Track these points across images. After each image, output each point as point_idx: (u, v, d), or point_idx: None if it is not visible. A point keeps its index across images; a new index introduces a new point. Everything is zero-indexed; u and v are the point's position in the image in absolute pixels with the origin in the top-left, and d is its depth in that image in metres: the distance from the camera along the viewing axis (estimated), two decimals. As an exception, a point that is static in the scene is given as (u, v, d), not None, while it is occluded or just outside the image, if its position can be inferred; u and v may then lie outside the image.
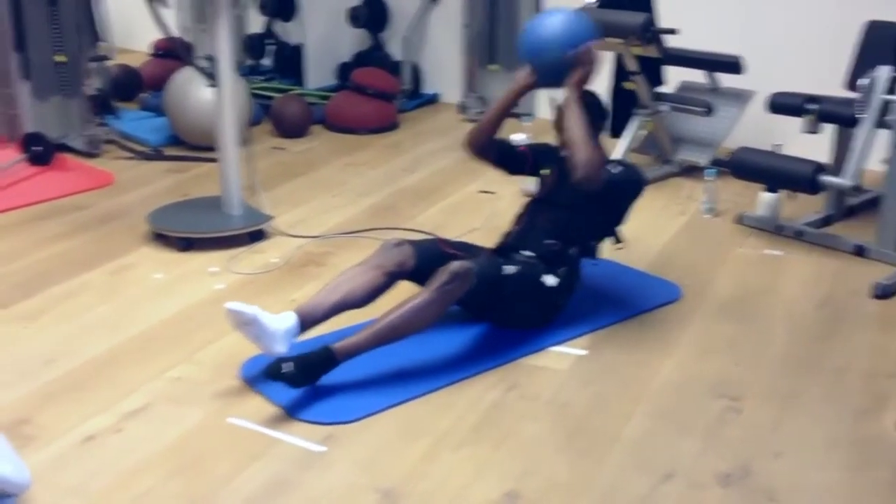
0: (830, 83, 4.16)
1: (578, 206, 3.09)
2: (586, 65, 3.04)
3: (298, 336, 2.82)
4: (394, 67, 6.24)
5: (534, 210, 3.24)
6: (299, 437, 2.50)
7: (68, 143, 5.03)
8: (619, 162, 3.28)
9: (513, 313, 3.07)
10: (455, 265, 2.81)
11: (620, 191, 3.15)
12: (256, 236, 3.89)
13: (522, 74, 3.19)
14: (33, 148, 4.75)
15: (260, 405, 2.66)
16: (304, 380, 2.64)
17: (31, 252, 3.76)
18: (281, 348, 2.75)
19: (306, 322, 2.85)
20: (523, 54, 3.15)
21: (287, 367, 2.59)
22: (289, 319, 2.81)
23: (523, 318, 3.09)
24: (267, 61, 6.77)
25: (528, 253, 3.09)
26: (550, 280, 3.04)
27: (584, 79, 3.07)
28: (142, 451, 2.45)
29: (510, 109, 3.29)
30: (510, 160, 3.39)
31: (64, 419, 2.58)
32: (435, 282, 2.78)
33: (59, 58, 5.00)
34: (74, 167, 4.84)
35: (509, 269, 2.99)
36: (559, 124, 3.13)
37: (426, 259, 2.99)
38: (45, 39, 4.95)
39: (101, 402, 2.67)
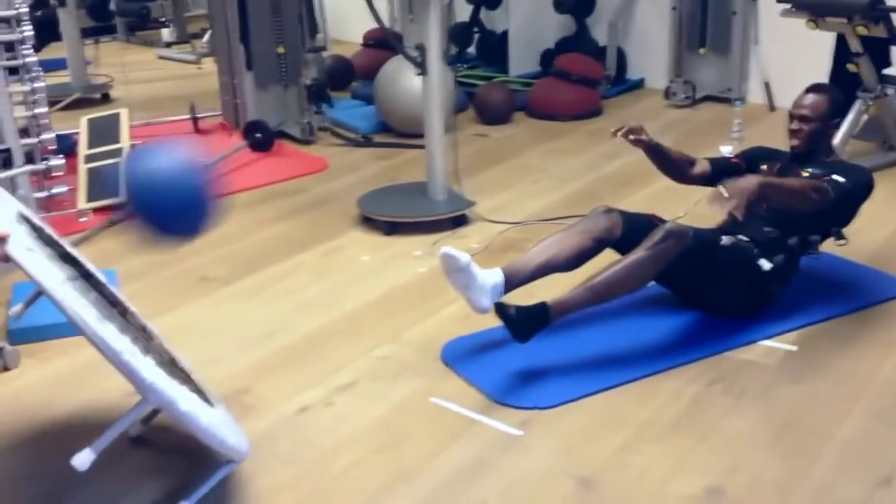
0: None
1: None
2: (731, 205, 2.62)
3: (503, 295, 2.85)
4: (598, 53, 6.17)
5: (753, 200, 3.11)
6: (498, 420, 2.54)
7: (286, 130, 5.31)
8: (842, 166, 3.07)
9: (723, 295, 2.97)
10: (671, 224, 2.78)
11: (849, 198, 2.98)
12: (459, 221, 3.97)
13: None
14: (255, 135, 5.05)
15: (461, 386, 2.72)
16: (522, 330, 2.68)
17: (252, 233, 4.01)
18: (486, 302, 2.80)
19: (512, 281, 2.88)
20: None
21: (511, 310, 2.66)
22: (496, 275, 2.85)
23: (733, 301, 2.99)
24: (472, 49, 6.87)
25: (745, 238, 2.99)
26: (766, 264, 2.93)
27: (742, 199, 2.62)
28: (350, 424, 2.56)
29: (664, 157, 3.24)
30: (725, 175, 3.16)
31: (280, 391, 2.73)
32: (650, 240, 2.74)
33: (280, 49, 5.28)
34: (291, 153, 5.10)
35: (726, 239, 2.92)
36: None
37: (635, 228, 2.93)
38: (267, 32, 5.24)
39: (314, 376, 2.81)
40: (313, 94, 5.28)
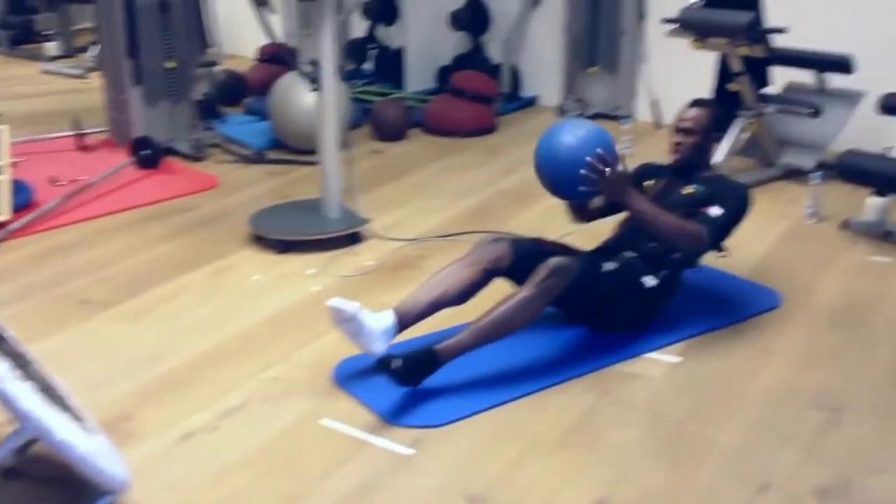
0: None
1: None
2: (603, 177, 2.82)
3: (396, 336, 2.85)
4: (493, 70, 6.24)
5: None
6: (390, 440, 2.53)
7: (175, 146, 5.20)
8: (721, 184, 3.15)
9: (610, 314, 3.03)
10: (554, 261, 2.79)
11: (727, 226, 3.06)
12: (354, 239, 3.95)
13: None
14: (141, 152, 4.93)
15: (352, 407, 2.70)
16: (410, 379, 2.68)
17: (137, 252, 3.90)
18: (379, 347, 2.79)
19: (404, 321, 2.88)
20: (540, 175, 2.96)
21: (396, 364, 2.64)
22: (387, 318, 2.84)
23: (620, 319, 3.05)
24: (368, 65, 6.87)
25: (630, 253, 3.05)
26: (650, 281, 3.00)
27: (613, 189, 2.88)
28: (237, 449, 2.51)
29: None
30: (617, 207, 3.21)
31: (163, 417, 2.66)
32: (535, 278, 2.77)
33: (170, 64, 5.18)
34: (181, 170, 5.00)
35: (609, 265, 2.96)
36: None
37: (524, 255, 2.95)
38: (156, 46, 5.13)
39: (200, 400, 2.75)
40: (204, 109, 5.19)
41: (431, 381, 2.73)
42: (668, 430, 2.57)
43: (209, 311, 3.36)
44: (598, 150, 2.80)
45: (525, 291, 2.76)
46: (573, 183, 2.83)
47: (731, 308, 3.21)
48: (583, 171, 2.80)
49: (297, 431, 2.60)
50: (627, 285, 2.98)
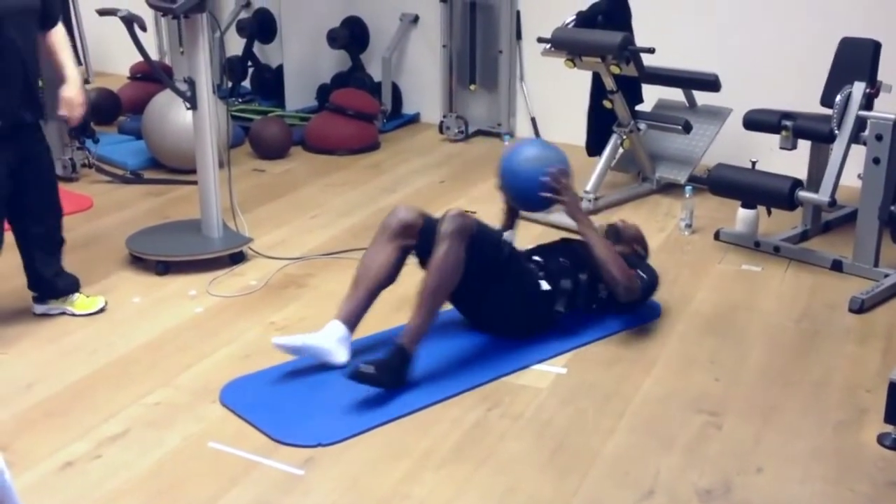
0: (806, 100, 4.20)
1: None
2: (561, 189, 3.13)
3: (351, 337, 2.96)
4: (373, 88, 6.25)
5: (561, 243, 3.37)
6: (279, 461, 2.49)
7: (47, 167, 5.01)
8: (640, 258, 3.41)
9: (506, 309, 3.08)
10: (451, 210, 2.91)
11: (648, 291, 3.31)
12: (236, 259, 3.88)
13: (505, 198, 3.38)
14: (11, 173, 4.72)
15: (241, 429, 2.65)
16: (392, 379, 2.74)
17: (8, 277, 3.73)
18: (343, 357, 2.93)
19: (352, 320, 2.99)
20: (503, 186, 3.28)
21: (368, 370, 2.69)
22: (335, 329, 2.95)
23: (514, 320, 3.12)
24: (247, 83, 6.78)
25: (537, 258, 3.17)
26: (545, 285, 3.09)
27: (571, 201, 3.17)
28: (121, 476, 2.43)
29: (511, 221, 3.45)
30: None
31: (42, 445, 2.56)
32: (441, 229, 2.85)
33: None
34: (53, 191, 4.81)
35: (506, 240, 3.11)
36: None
37: (432, 226, 3.01)
38: (22, 64, 4.93)
39: (80, 427, 2.65)
40: (76, 128, 5.00)
41: (323, 398, 2.72)
42: (555, 440, 2.62)
43: (86, 335, 3.25)
44: (560, 166, 3.13)
45: (440, 247, 2.84)
46: (533, 191, 3.13)
47: (615, 319, 3.29)
48: (544, 178, 3.09)
49: (184, 456, 2.53)
50: (525, 276, 3.09)
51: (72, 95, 3.07)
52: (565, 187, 3.14)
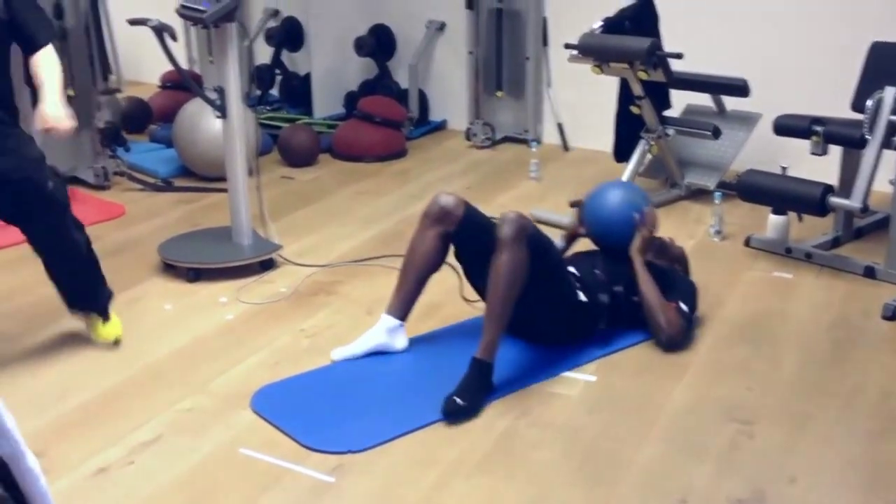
0: (837, 105, 4.17)
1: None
2: (646, 228, 3.28)
3: (405, 323, 3.12)
4: (400, 95, 6.28)
5: (593, 253, 3.39)
6: (310, 468, 2.50)
7: (79, 175, 5.07)
8: (669, 276, 3.38)
9: (545, 313, 3.06)
10: (509, 212, 2.89)
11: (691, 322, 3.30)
12: (266, 266, 3.91)
13: (574, 224, 3.50)
14: (44, 181, 4.78)
15: (272, 435, 2.67)
16: (479, 399, 2.78)
17: (42, 285, 3.75)
18: (401, 344, 3.11)
19: (402, 310, 3.11)
20: (592, 226, 3.42)
21: (461, 402, 2.72)
22: (385, 322, 3.09)
23: (549, 325, 3.12)
24: (275, 91, 6.82)
25: (572, 270, 3.18)
26: (582, 296, 3.09)
27: (647, 243, 3.29)
28: (153, 483, 2.45)
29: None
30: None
31: (77, 452, 2.58)
32: (501, 234, 2.82)
33: (69, 92, 5.04)
34: (85, 200, 4.87)
35: (556, 245, 3.20)
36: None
37: (472, 217, 3.08)
38: (55, 73, 4.99)
39: (114, 434, 2.67)
40: (107, 137, 5.07)
41: (353, 404, 2.73)
42: (585, 448, 2.61)
43: (120, 343, 3.27)
44: (646, 208, 3.33)
45: (503, 254, 2.81)
46: (620, 227, 3.31)
47: (643, 325, 3.28)
48: (636, 215, 3.29)
49: (216, 462, 2.55)
50: (566, 284, 3.08)
51: (44, 110, 3.01)
52: (652, 225, 3.30)
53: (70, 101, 4.97)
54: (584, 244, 3.51)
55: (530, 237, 2.86)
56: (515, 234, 2.82)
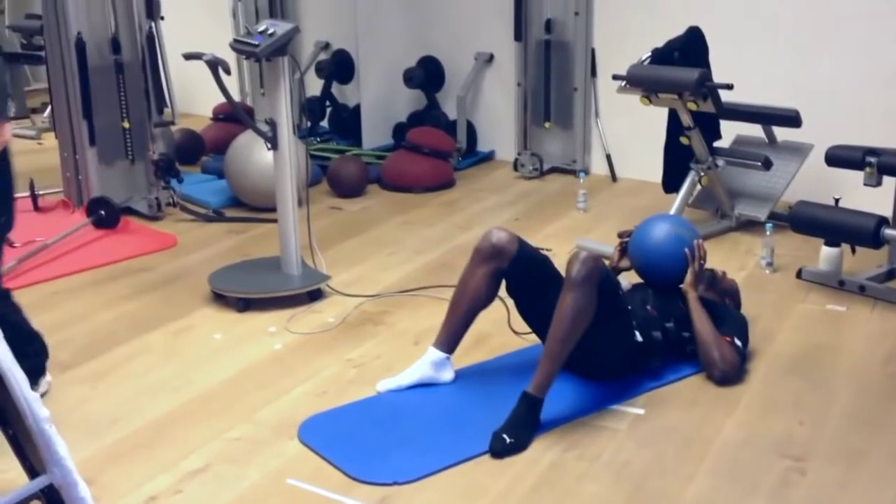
0: (891, 135, 4.10)
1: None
2: (696, 262, 3.27)
3: (451, 356, 3.11)
4: (449, 126, 6.31)
5: (642, 288, 3.37)
6: (357, 499, 2.50)
7: (133, 206, 5.18)
8: (720, 310, 3.34)
9: (601, 351, 3.01)
10: (581, 253, 2.85)
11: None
12: (314, 296, 3.94)
13: (615, 256, 3.47)
14: (99, 212, 4.89)
15: (319, 466, 2.67)
16: (526, 435, 2.76)
17: (96, 313, 3.85)
18: (447, 377, 3.10)
19: (449, 344, 3.10)
20: (641, 262, 3.40)
21: (508, 439, 2.71)
22: (430, 356, 3.09)
23: (606, 363, 3.09)
24: (325, 123, 6.91)
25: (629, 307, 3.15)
26: (638, 336, 3.07)
27: (698, 277, 3.28)
28: (202, 512, 2.47)
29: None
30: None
31: (127, 480, 2.61)
32: (573, 274, 2.79)
33: (125, 124, 5.17)
34: (139, 230, 4.97)
35: (624, 284, 3.20)
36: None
37: (526, 254, 3.07)
38: (111, 106, 5.12)
39: (163, 462, 2.70)
40: (161, 168, 5.17)
41: (400, 435, 2.73)
42: (634, 483, 2.58)
43: (169, 371, 3.32)
44: (696, 241, 3.32)
45: (571, 293, 2.78)
46: (670, 263, 3.30)
47: (692, 358, 3.24)
48: (687, 250, 3.27)
49: (263, 492, 2.56)
50: (623, 329, 3.04)
51: None
52: (702, 258, 3.29)
53: (125, 133, 5.15)
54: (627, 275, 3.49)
55: (602, 281, 2.83)
56: (587, 276, 2.78)
